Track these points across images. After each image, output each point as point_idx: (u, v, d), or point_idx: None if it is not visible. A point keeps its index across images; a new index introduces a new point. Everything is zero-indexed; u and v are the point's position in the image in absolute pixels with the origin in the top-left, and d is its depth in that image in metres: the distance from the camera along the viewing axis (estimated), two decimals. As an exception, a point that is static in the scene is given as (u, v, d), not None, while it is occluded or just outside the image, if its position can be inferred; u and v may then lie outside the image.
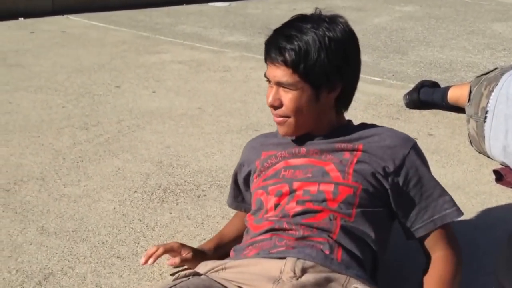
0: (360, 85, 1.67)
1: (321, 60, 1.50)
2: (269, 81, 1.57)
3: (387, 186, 1.55)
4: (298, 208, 1.51)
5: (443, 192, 1.59)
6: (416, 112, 3.07)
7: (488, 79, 2.55)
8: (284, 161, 1.61)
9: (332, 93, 1.57)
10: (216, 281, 1.43)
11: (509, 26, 5.22)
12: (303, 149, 1.61)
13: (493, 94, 2.44)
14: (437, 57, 4.23)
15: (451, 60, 4.16)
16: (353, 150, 1.57)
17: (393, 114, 3.06)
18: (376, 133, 1.63)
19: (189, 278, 1.43)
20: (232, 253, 1.57)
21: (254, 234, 1.54)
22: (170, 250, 1.69)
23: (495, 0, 6.50)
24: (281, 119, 1.57)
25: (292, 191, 1.54)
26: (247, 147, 1.78)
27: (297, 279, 1.37)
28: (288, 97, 1.54)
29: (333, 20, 1.57)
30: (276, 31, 1.57)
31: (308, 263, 1.40)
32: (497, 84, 2.45)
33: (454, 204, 1.59)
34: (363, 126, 1.68)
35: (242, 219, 1.71)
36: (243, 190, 1.78)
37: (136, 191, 2.21)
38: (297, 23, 1.56)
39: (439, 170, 2.40)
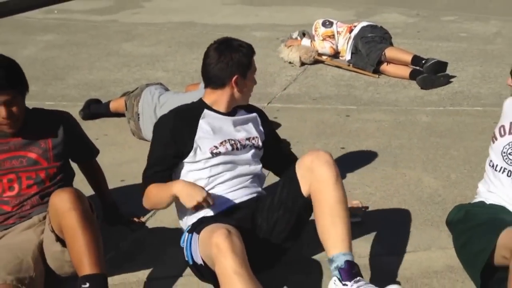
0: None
1: None
2: None
3: None
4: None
5: None
6: (91, 122, 4.65)
7: (135, 95, 4.41)
8: None
9: None
10: None
11: (135, 45, 6.89)
12: None
13: (140, 103, 4.28)
14: (91, 79, 5.77)
15: (100, 80, 5.75)
16: None
17: (76, 126, 4.63)
18: None
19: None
20: None
21: None
22: None
23: (118, 21, 8.01)
24: None
25: None
26: None
27: None
28: None
29: None
30: None
31: None
32: (141, 96, 4.31)
33: None
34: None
35: None
36: None
37: None
38: None
39: (122, 157, 4.11)
